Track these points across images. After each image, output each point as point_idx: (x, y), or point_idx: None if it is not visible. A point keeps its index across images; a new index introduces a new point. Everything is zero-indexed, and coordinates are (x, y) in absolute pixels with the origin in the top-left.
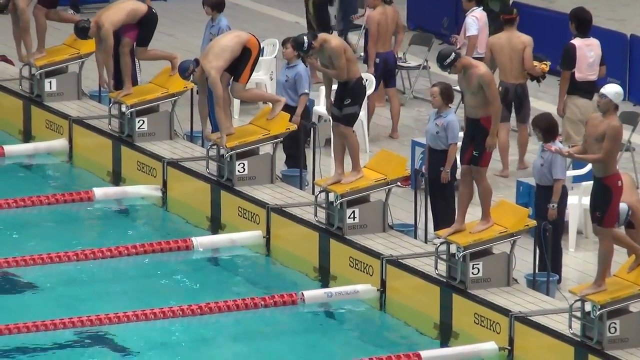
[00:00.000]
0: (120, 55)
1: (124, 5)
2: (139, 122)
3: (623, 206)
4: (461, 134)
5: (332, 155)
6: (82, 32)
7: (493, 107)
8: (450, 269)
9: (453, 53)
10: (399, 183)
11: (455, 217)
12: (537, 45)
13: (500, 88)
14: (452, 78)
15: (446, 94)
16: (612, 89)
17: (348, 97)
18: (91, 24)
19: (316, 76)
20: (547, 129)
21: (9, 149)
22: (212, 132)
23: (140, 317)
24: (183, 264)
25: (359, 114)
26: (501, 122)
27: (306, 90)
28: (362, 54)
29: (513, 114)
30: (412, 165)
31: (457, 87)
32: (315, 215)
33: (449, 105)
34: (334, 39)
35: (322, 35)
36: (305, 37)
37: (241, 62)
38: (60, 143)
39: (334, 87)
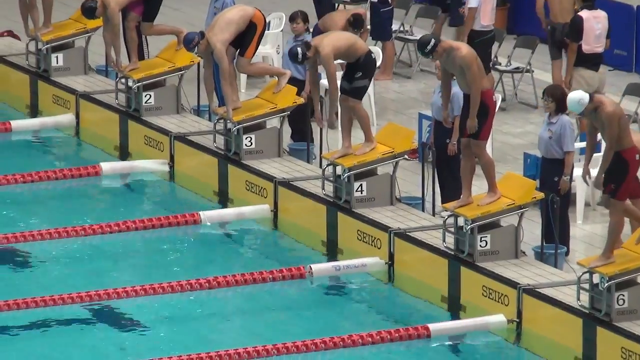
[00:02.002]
0: (126, 30)
1: None
2: (145, 96)
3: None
4: None
5: (340, 128)
6: (89, 12)
7: (473, 89)
8: (458, 242)
9: (432, 39)
10: (406, 156)
11: (462, 190)
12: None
13: (549, 27)
14: None
15: None
16: (573, 104)
17: (359, 70)
18: (98, 4)
19: None
20: (561, 99)
21: (16, 124)
22: (219, 106)
23: (148, 292)
24: (191, 238)
25: (368, 87)
26: (553, 59)
27: None
28: (369, 26)
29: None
30: (419, 138)
31: None
32: (323, 188)
33: (454, 77)
34: (326, 46)
35: (315, 42)
36: (299, 48)
37: (246, 37)
38: (67, 118)
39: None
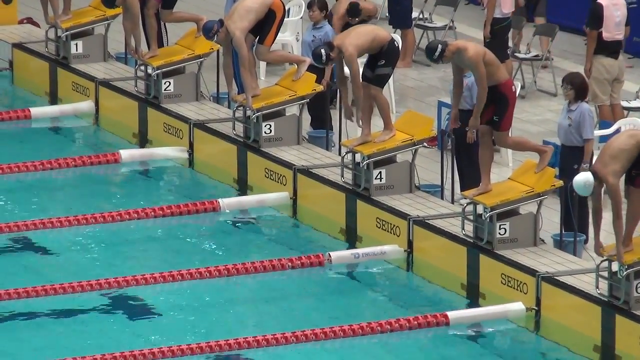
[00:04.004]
0: (145, 18)
1: None
2: (165, 83)
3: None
4: None
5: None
6: (109, 0)
7: (479, 89)
8: (477, 230)
9: (439, 45)
10: (425, 144)
11: (481, 178)
12: (564, 5)
13: None
14: (478, 37)
15: None
16: (580, 188)
17: (382, 58)
18: None
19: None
20: (581, 87)
21: (35, 111)
22: (238, 93)
23: (167, 279)
24: (209, 225)
25: (390, 75)
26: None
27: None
28: (387, 14)
29: None
30: (438, 125)
31: None
32: (342, 176)
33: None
34: (349, 46)
35: (337, 43)
36: (322, 50)
37: (266, 25)
38: (87, 105)
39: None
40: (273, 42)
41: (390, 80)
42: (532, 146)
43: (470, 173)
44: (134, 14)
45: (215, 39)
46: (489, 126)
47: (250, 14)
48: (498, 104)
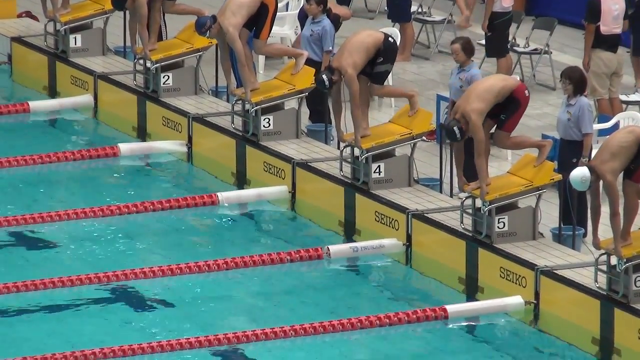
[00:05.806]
0: (151, 11)
1: None
2: (164, 77)
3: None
4: None
5: None
6: (119, 4)
7: (475, 153)
8: (476, 223)
9: (454, 127)
10: (424, 137)
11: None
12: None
13: None
14: (478, 32)
15: (468, 49)
16: (577, 184)
17: (380, 56)
18: None
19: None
20: (579, 81)
21: (34, 104)
22: (237, 87)
23: (166, 272)
24: (208, 219)
25: (390, 72)
26: None
27: (330, 48)
28: (386, 7)
29: None
30: (437, 119)
31: (480, 41)
32: (341, 170)
33: (471, 59)
34: (347, 67)
35: (336, 66)
36: (324, 76)
37: (260, 19)
38: (86, 99)
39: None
40: (269, 36)
41: (389, 75)
42: (531, 143)
43: (469, 167)
44: (142, 15)
45: (207, 34)
46: (492, 121)
47: (243, 9)
48: (509, 105)
